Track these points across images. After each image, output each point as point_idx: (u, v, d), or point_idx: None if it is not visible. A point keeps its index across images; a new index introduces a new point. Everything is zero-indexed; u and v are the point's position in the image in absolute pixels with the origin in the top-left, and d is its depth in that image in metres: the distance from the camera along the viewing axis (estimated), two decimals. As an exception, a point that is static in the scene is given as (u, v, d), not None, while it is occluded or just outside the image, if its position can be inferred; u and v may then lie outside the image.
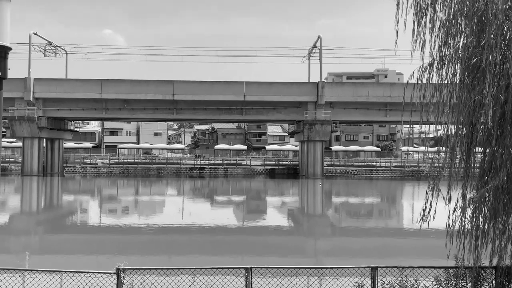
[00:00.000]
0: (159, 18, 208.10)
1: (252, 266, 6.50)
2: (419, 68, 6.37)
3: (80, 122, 76.53)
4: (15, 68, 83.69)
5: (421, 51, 6.32)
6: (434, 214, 6.42)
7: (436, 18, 6.17)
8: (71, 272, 6.80)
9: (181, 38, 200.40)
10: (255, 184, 47.77)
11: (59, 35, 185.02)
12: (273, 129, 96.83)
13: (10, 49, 3.64)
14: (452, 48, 6.14)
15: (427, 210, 6.41)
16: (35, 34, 53.75)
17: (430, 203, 6.40)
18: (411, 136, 73.72)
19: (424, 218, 6.43)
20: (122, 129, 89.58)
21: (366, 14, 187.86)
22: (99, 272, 6.58)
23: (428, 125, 6.65)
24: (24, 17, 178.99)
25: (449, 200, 6.32)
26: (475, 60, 5.83)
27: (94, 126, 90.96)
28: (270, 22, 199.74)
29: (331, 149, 69.26)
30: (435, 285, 6.74)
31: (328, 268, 7.18)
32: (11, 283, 6.93)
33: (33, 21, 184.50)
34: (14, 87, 49.02)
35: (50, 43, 57.40)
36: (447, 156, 6.29)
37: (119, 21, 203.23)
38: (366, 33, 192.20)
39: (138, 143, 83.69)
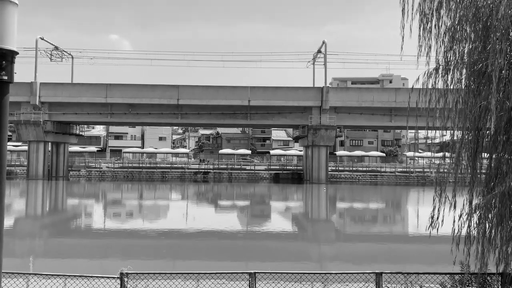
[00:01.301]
0: (165, 23, 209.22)
1: (256, 271, 6.48)
2: (424, 73, 6.35)
3: (85, 126, 76.88)
4: (22, 72, 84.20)
5: (426, 56, 6.30)
6: (442, 220, 6.38)
7: (441, 23, 6.16)
8: (74, 276, 6.80)
9: (186, 43, 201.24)
10: (259, 189, 47.71)
11: (65, 39, 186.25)
12: (278, 134, 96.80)
13: (17, 53, 3.64)
14: (457, 53, 6.12)
15: (436, 216, 6.37)
16: (42, 38, 54.13)
17: (438, 209, 6.35)
18: (416, 141, 73.52)
19: (433, 225, 6.38)
20: (127, 133, 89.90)
21: (371, 20, 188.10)
22: (102, 277, 6.57)
23: (434, 131, 6.62)
24: (31, 21, 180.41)
25: (455, 206, 6.28)
26: (480, 65, 5.81)
27: (99, 130, 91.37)
28: (275, 27, 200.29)
29: (335, 154, 69.17)
30: (440, 291, 6.69)
31: (333, 273, 7.15)
32: (15, 287, 6.93)
33: (40, 26, 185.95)
34: (20, 91, 49.48)
35: (56, 48, 57.77)
36: (453, 161, 6.26)
37: (125, 26, 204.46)
38: (371, 38, 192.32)
39: (142, 147, 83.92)
